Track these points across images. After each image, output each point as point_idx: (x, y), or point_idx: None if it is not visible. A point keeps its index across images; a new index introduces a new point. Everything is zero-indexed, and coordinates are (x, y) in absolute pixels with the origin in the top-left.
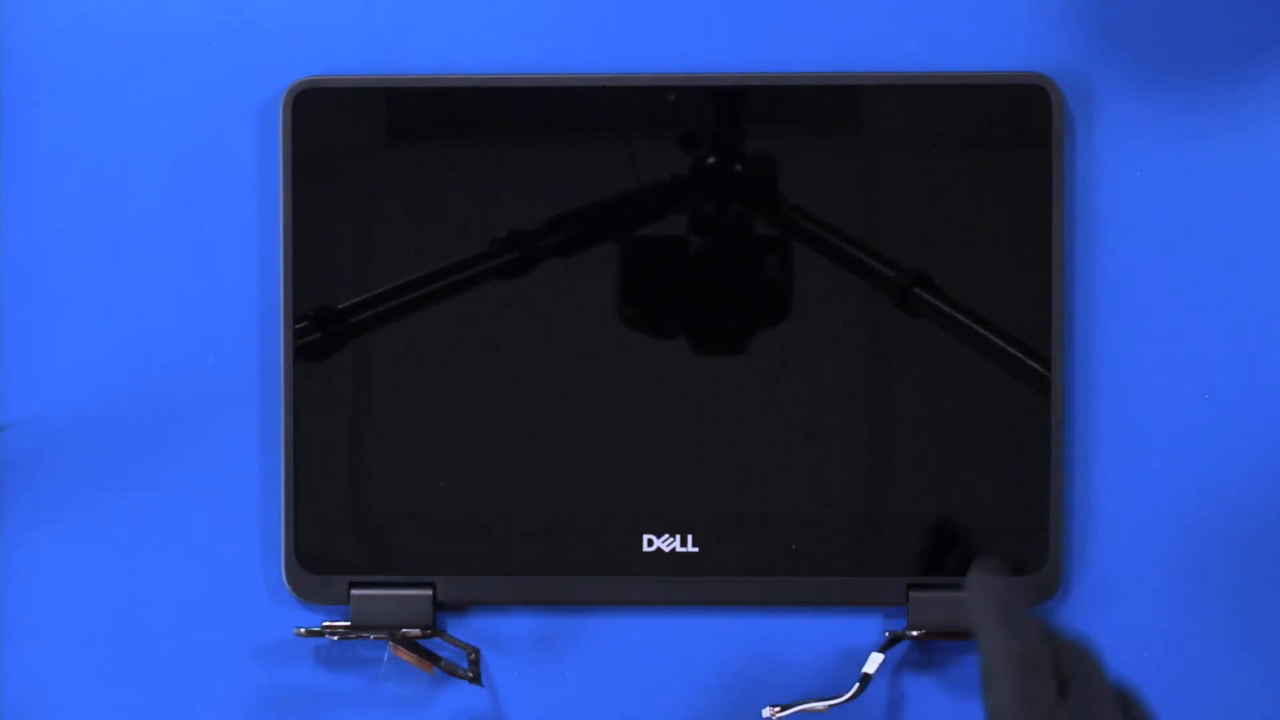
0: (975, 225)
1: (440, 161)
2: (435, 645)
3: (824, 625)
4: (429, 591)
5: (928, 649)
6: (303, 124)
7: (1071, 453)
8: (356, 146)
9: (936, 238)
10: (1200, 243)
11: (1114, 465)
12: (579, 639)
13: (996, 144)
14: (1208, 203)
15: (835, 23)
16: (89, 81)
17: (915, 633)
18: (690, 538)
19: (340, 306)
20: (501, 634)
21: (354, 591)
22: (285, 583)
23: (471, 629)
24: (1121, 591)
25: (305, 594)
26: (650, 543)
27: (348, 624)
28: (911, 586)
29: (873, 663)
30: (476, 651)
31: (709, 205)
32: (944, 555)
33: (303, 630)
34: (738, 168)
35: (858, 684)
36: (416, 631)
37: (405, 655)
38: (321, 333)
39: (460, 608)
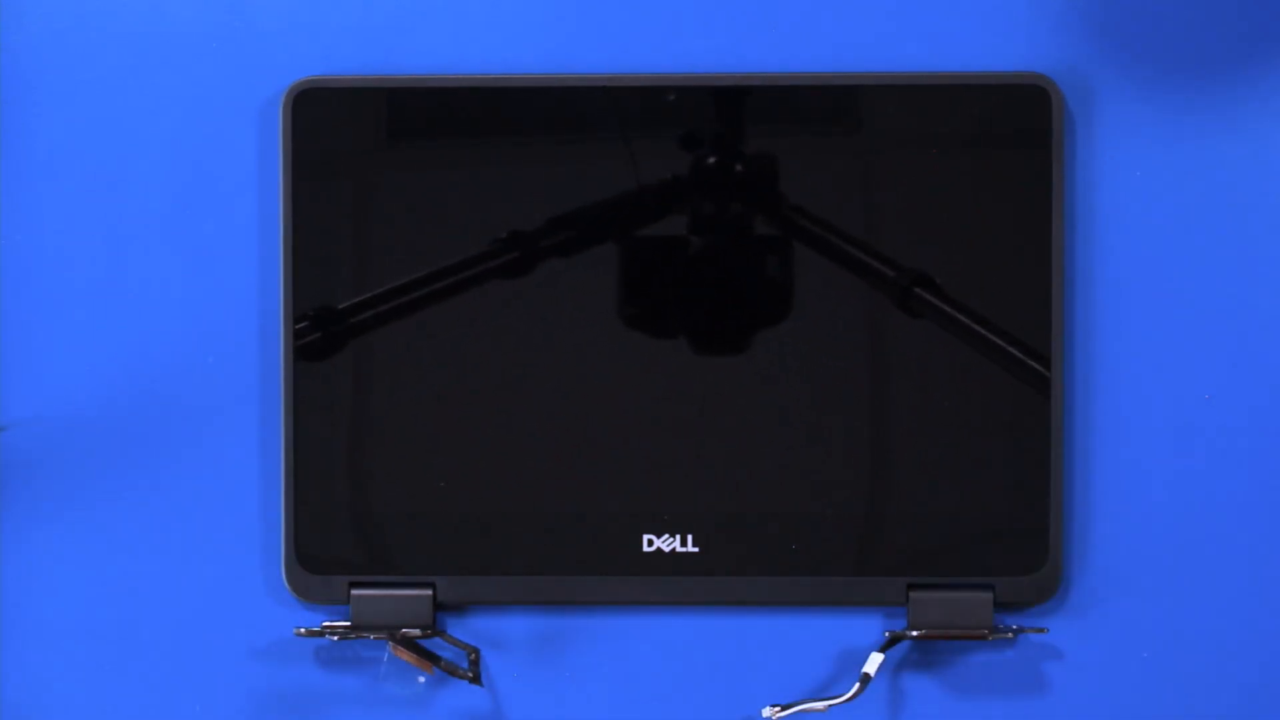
0: (975, 225)
1: (440, 161)
2: (435, 645)
3: (824, 625)
4: (429, 591)
5: (928, 649)
6: (303, 124)
7: (1071, 453)
8: (356, 146)
9: (936, 238)
10: (1200, 243)
11: (1114, 465)
12: (579, 639)
13: (996, 144)
14: (1208, 203)
15: (835, 23)
16: (89, 81)
17: (915, 633)
18: (690, 538)
19: (340, 306)
20: (501, 634)
21: (354, 591)
22: (285, 583)
23: (471, 629)
24: (1121, 591)
25: (305, 594)
26: (650, 543)
27: (348, 624)
28: (911, 586)
29: (873, 663)
30: (476, 651)
31: (709, 205)
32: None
33: (303, 630)
34: (738, 168)
35: (858, 684)
36: (416, 631)
37: (405, 655)
38: (321, 333)
39: (460, 608)
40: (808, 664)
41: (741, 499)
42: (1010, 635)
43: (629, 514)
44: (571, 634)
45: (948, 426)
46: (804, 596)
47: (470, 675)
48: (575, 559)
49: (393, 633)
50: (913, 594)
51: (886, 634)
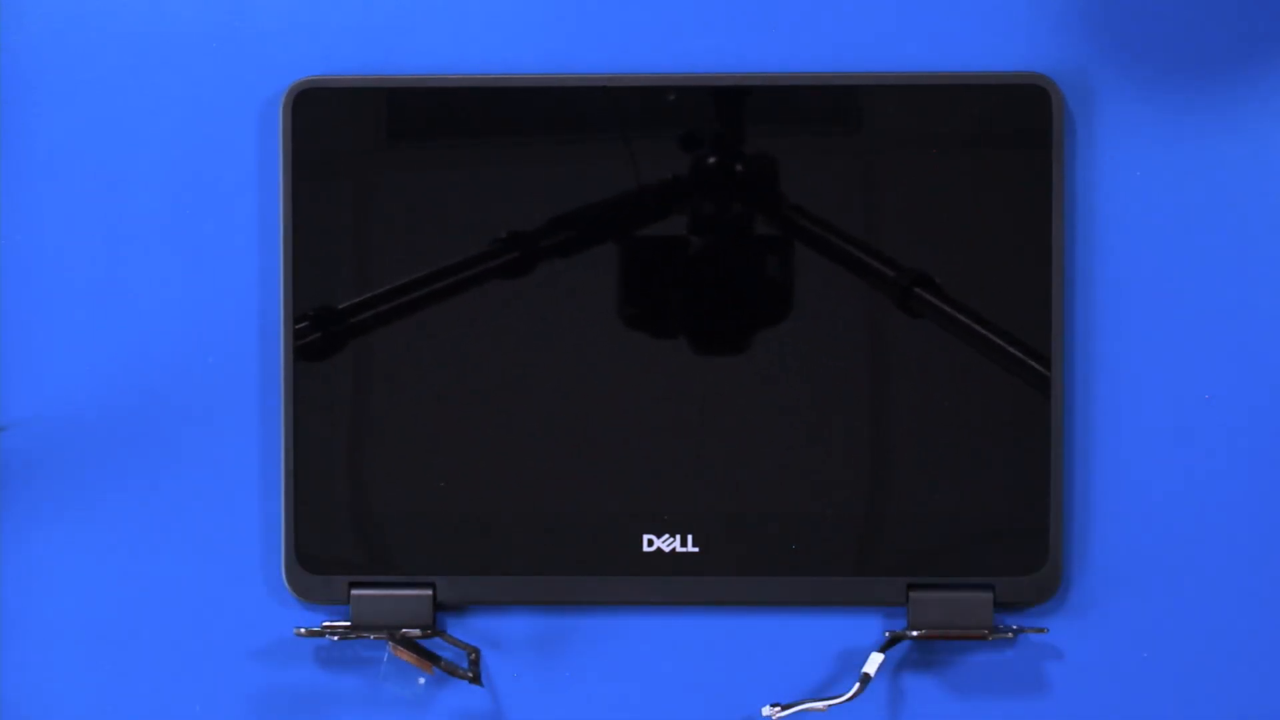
0: (975, 225)
1: (440, 161)
2: (435, 645)
3: (824, 625)
4: (429, 591)
5: (928, 649)
6: (303, 124)
7: (1071, 453)
8: (356, 146)
9: (936, 238)
10: (1200, 243)
11: (1114, 465)
12: (579, 639)
13: (996, 144)
14: (1208, 203)
15: (835, 23)
16: (89, 81)
17: (915, 633)
18: (690, 538)
19: (340, 306)
20: (501, 634)
21: (354, 591)
22: (285, 583)
23: (471, 629)
24: (1121, 591)
25: (305, 594)
26: (650, 543)
27: (348, 624)
28: (911, 586)
29: (873, 663)
30: (476, 651)
31: (709, 205)
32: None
33: (303, 630)
34: (738, 168)
35: (858, 684)
36: (416, 631)
37: (405, 655)
38: (321, 333)
39: (460, 608)
40: (808, 664)
41: (741, 499)
42: (1010, 635)
43: (629, 514)
44: (571, 634)
45: (948, 426)
46: (804, 596)
47: (470, 675)
48: (575, 559)
49: (393, 633)
50: (913, 594)
51: (886, 634)
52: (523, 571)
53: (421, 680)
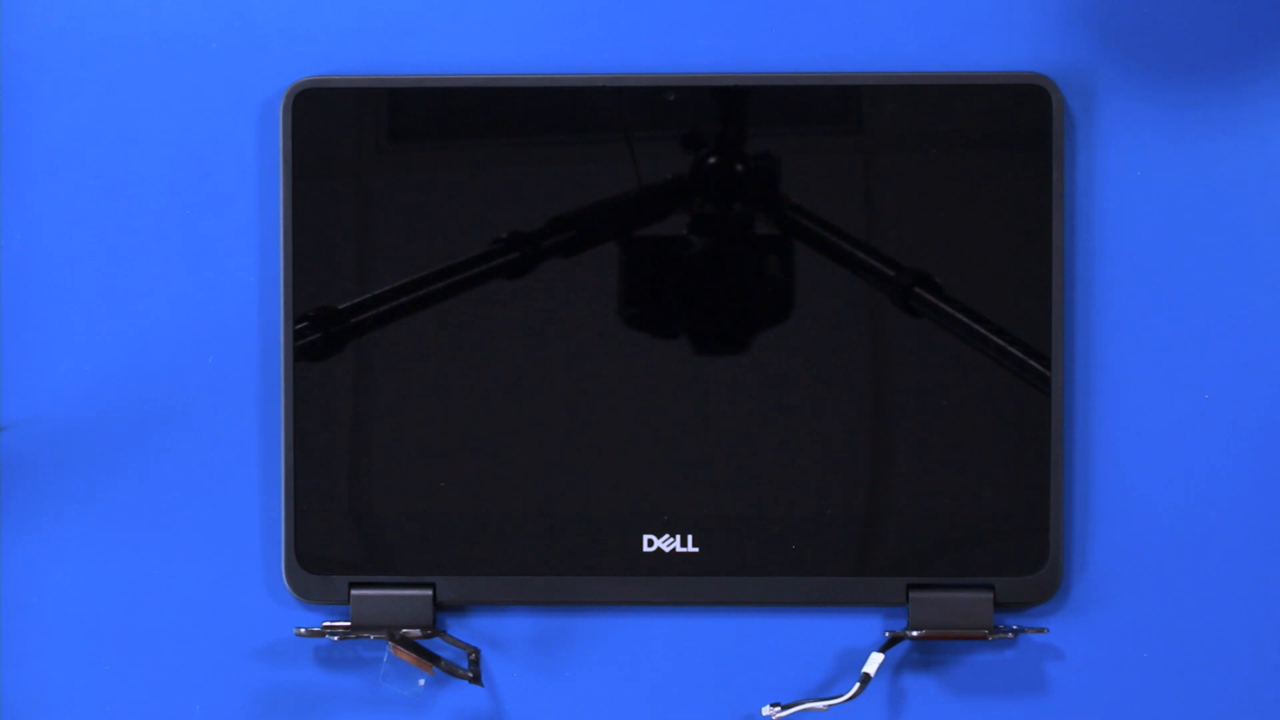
0: (975, 225)
1: (441, 162)
2: (435, 645)
3: (824, 625)
4: (429, 591)
5: (928, 649)
6: (303, 124)
7: (1071, 453)
8: (356, 146)
9: (937, 238)
10: (1200, 242)
11: (1114, 465)
12: (579, 639)
13: (997, 144)
14: (1208, 202)
15: (836, 23)
16: (89, 81)
17: (915, 633)
18: (690, 538)
19: (340, 306)
20: (501, 634)
21: (354, 591)
22: (285, 583)
23: (471, 629)
24: (1121, 591)
25: (305, 594)
26: (650, 543)
27: (348, 624)
28: (911, 586)
29: (873, 663)
30: (476, 651)
31: (710, 205)
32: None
33: (303, 630)
34: (739, 168)
35: (858, 684)
36: (416, 631)
37: (405, 655)
38: (321, 333)
39: (460, 608)
40: (808, 664)
41: (742, 499)
42: (1010, 635)
43: (629, 514)
44: (571, 634)
45: (948, 426)
46: (804, 596)
47: (470, 675)
48: (575, 559)
49: (393, 633)
50: (913, 594)
51: (886, 634)
52: (523, 571)
53: (422, 681)
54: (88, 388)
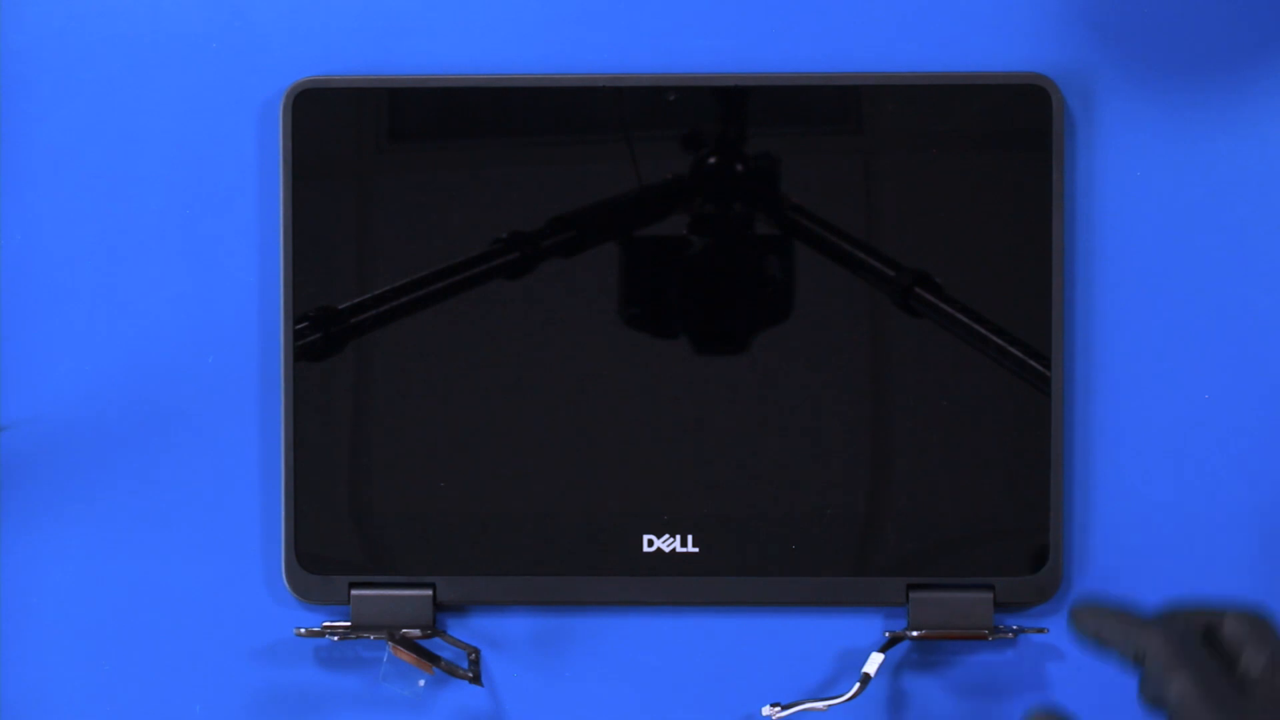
0: (975, 225)
1: (441, 162)
2: (435, 645)
3: (824, 625)
4: (429, 591)
5: (928, 649)
6: (303, 124)
7: (1071, 453)
8: (357, 147)
9: (937, 238)
10: (1200, 242)
11: (1114, 465)
12: (579, 639)
13: (997, 144)
14: (1208, 203)
15: (836, 23)
16: (89, 81)
17: (915, 633)
18: (690, 538)
19: (340, 307)
20: (501, 634)
21: (354, 591)
22: (285, 583)
23: (471, 629)
24: (1121, 591)
25: (305, 594)
26: (650, 543)
27: (348, 624)
28: (911, 586)
29: (873, 663)
30: (476, 651)
31: (710, 205)
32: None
33: (303, 630)
34: (739, 168)
35: (858, 684)
36: (416, 631)
37: (405, 655)
38: (321, 333)
39: (460, 608)
40: (808, 664)
41: (742, 499)
42: (1010, 635)
43: (629, 514)
44: (571, 634)
45: (948, 426)
46: (804, 596)
47: (470, 675)
48: (575, 559)
49: (393, 633)
50: (913, 594)
51: (886, 634)
52: (523, 571)
53: (422, 682)
54: (88, 388)
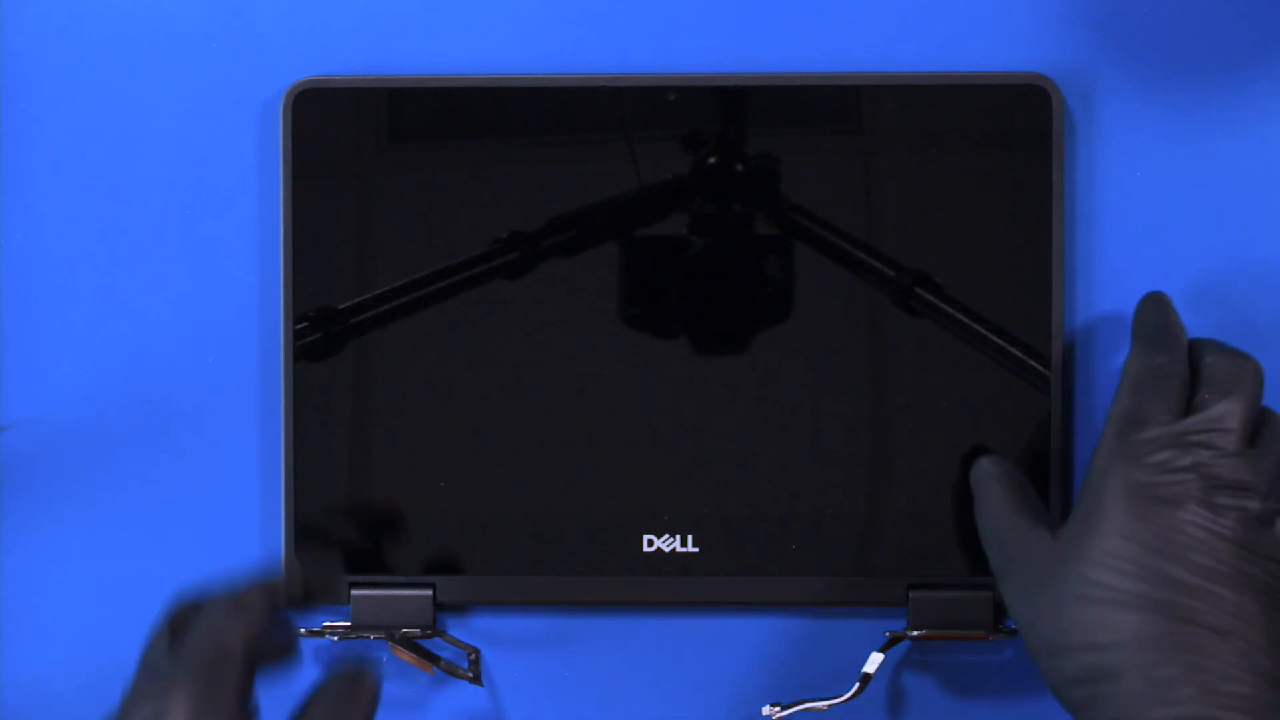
0: (975, 225)
1: (441, 162)
2: (435, 645)
3: (824, 625)
4: (429, 591)
5: (928, 649)
6: (303, 124)
7: (1071, 453)
8: (357, 147)
9: (937, 238)
10: (1200, 243)
11: None
12: (579, 639)
13: (997, 144)
14: (1208, 203)
15: (837, 23)
16: (89, 81)
17: (915, 633)
18: (690, 538)
19: (340, 307)
20: (501, 634)
21: (354, 591)
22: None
23: (471, 629)
24: None
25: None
26: (650, 543)
27: (348, 624)
28: (911, 586)
29: (873, 663)
30: (476, 651)
31: (710, 205)
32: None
33: (303, 630)
34: (739, 168)
35: (858, 684)
36: (416, 631)
37: (405, 655)
38: (321, 333)
39: (460, 608)
40: (808, 664)
41: (742, 499)
42: (1010, 635)
43: (629, 514)
44: (571, 634)
45: (948, 426)
46: (804, 596)
47: (470, 675)
48: (575, 559)
49: (392, 633)
50: (913, 594)
51: (886, 634)
52: (523, 571)
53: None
54: (88, 388)
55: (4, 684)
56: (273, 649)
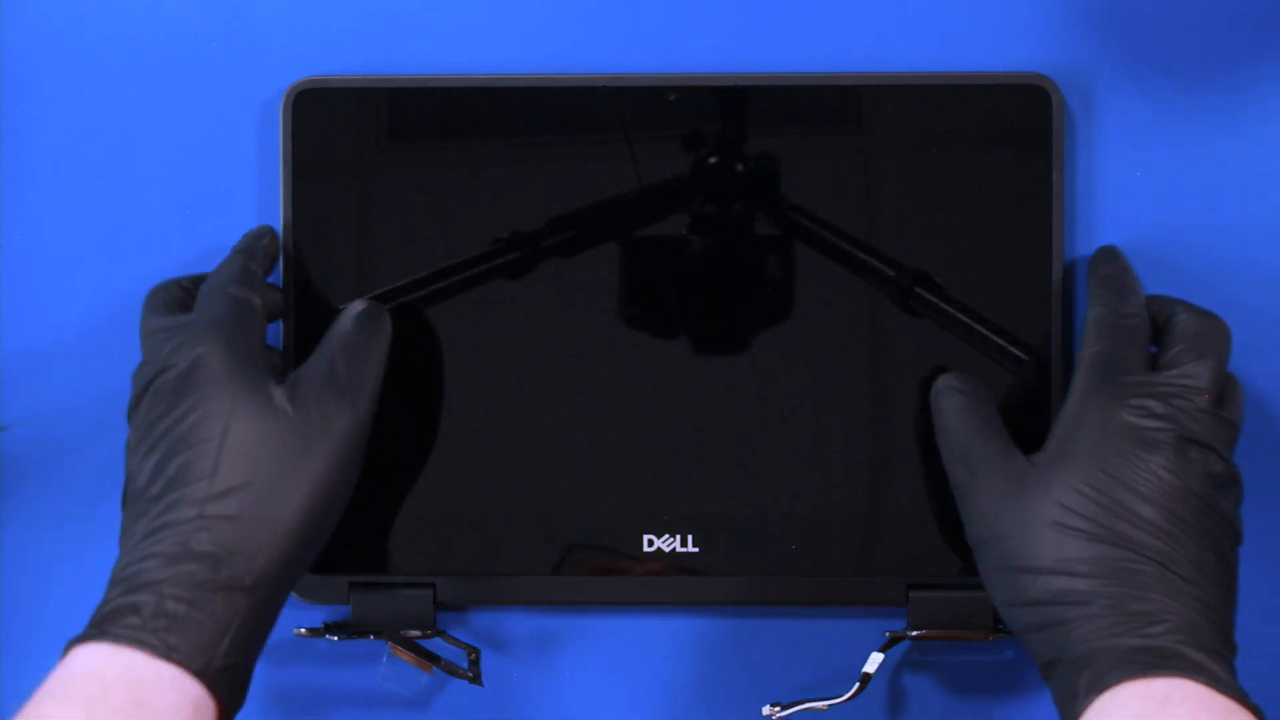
0: (975, 225)
1: (441, 162)
2: (435, 645)
3: (824, 625)
4: (429, 591)
5: (928, 649)
6: (303, 124)
7: None
8: (357, 146)
9: (937, 238)
10: (1200, 243)
11: None
12: (579, 639)
13: (997, 144)
14: (1208, 203)
15: (836, 23)
16: (89, 81)
17: (915, 633)
18: (690, 538)
19: (340, 307)
20: (501, 634)
21: (354, 592)
22: None
23: (471, 629)
24: None
25: (305, 594)
26: (650, 543)
27: (348, 624)
28: (911, 586)
29: (873, 663)
30: (476, 651)
31: (710, 205)
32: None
33: (303, 630)
34: (739, 168)
35: (858, 684)
36: (416, 631)
37: (405, 655)
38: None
39: (460, 608)
40: (808, 664)
41: (742, 499)
42: (1010, 635)
43: (629, 514)
44: (571, 634)
45: None
46: (804, 596)
47: (470, 675)
48: (575, 559)
49: (393, 633)
50: (913, 594)
51: (886, 634)
52: (523, 571)
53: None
54: (88, 388)
55: (4, 684)
56: (273, 302)
